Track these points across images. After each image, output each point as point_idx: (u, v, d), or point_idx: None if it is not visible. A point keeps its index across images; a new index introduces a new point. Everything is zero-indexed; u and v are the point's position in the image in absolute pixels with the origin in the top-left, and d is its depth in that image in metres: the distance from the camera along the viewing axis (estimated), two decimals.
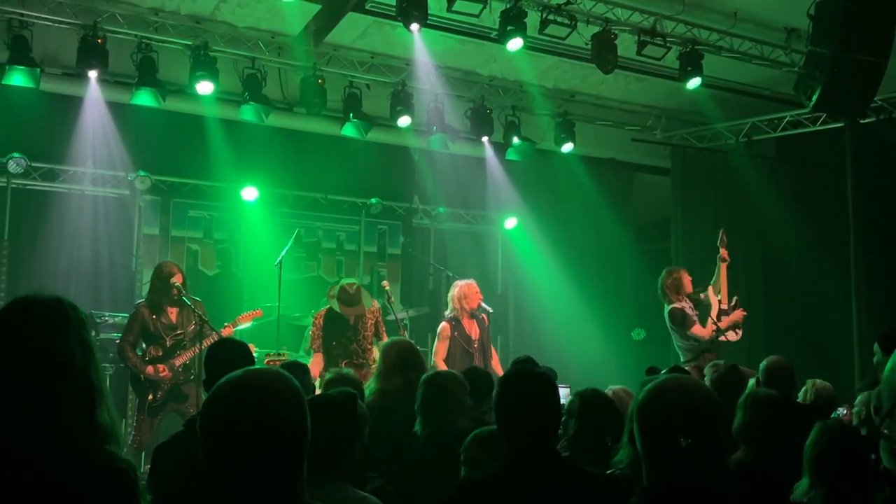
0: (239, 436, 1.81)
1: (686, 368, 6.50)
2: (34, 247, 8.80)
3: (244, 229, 10.34)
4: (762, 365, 4.86)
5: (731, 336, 8.09)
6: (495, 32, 8.26)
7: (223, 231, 10.35)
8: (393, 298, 8.26)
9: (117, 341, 7.67)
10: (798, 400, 4.99)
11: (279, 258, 8.51)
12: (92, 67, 8.19)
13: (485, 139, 10.44)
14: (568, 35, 8.34)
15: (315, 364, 7.38)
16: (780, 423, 3.67)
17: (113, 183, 9.51)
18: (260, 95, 9.05)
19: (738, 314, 8.08)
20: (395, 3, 7.71)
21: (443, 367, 7.65)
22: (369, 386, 5.09)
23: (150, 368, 7.05)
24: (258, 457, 1.81)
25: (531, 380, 3.06)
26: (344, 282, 7.77)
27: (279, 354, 7.76)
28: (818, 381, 5.14)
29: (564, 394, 4.87)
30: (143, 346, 7.25)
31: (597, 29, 8.48)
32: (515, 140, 10.49)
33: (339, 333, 7.60)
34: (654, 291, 11.86)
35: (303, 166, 10.26)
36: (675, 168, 11.96)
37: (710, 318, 8.11)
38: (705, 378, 4.92)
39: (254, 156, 9.81)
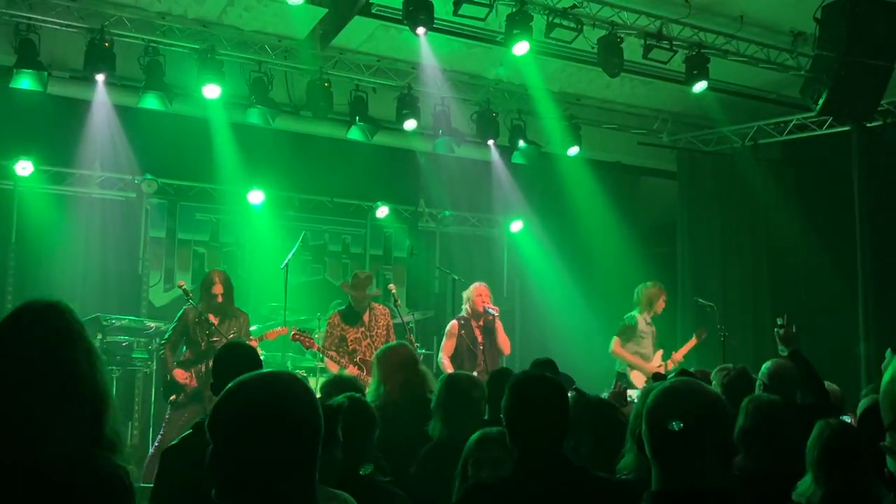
0: (249, 438, 1.80)
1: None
2: (42, 249, 8.82)
3: (250, 232, 10.36)
4: (766, 368, 4.82)
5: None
6: (501, 36, 8.27)
7: (229, 234, 10.38)
8: (399, 301, 8.27)
9: (123, 343, 7.73)
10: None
11: (285, 261, 8.54)
12: (99, 71, 8.21)
13: (490, 142, 10.44)
14: (574, 39, 8.34)
15: (330, 363, 7.48)
16: (781, 428, 3.66)
17: (120, 186, 9.55)
18: (266, 99, 9.06)
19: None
20: (401, 7, 7.72)
21: (448, 363, 7.70)
22: (370, 391, 5.09)
23: (177, 371, 7.15)
24: (269, 459, 1.80)
25: (539, 384, 3.06)
26: (356, 271, 8.01)
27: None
28: (826, 382, 5.13)
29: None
30: (184, 348, 7.35)
31: (603, 32, 8.48)
32: (521, 143, 10.49)
33: (353, 325, 7.68)
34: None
35: (309, 169, 10.28)
36: (681, 171, 11.95)
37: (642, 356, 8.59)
38: (713, 382, 4.90)
39: (260, 159, 9.84)
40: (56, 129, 8.92)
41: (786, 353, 4.92)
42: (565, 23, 8.20)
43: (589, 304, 11.07)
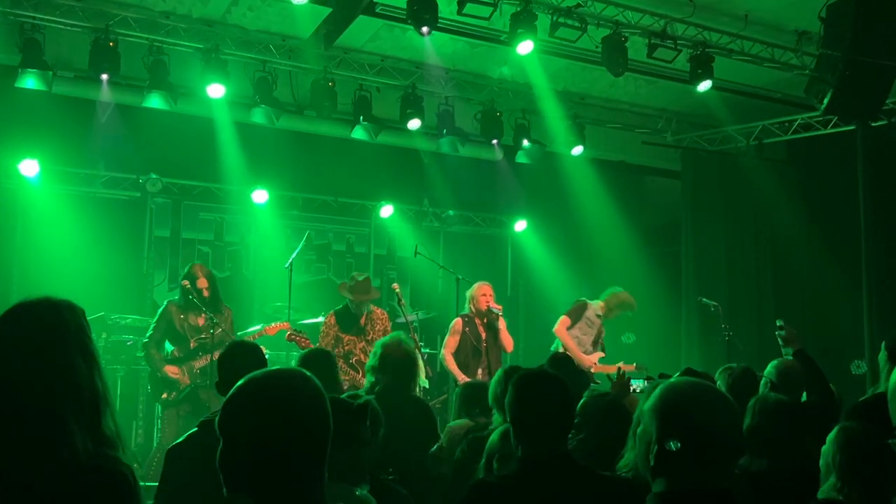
0: (259, 435, 1.80)
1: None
2: (46, 249, 8.83)
3: (255, 232, 10.38)
4: (773, 367, 4.81)
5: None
6: (505, 35, 8.26)
7: (234, 233, 10.40)
8: (403, 301, 8.27)
9: (129, 343, 7.73)
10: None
11: (290, 261, 8.54)
12: (104, 71, 8.23)
13: (494, 142, 10.44)
14: (578, 38, 8.34)
15: None
16: (790, 428, 3.64)
17: (124, 185, 9.56)
18: (271, 98, 9.07)
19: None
20: (405, 7, 7.72)
21: (450, 360, 7.71)
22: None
23: (167, 368, 7.15)
24: (278, 457, 1.81)
25: (541, 381, 3.07)
26: (355, 272, 7.91)
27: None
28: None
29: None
30: (169, 345, 7.35)
31: (607, 32, 8.47)
32: (525, 143, 10.49)
33: (348, 332, 7.65)
34: (664, 293, 11.90)
35: (313, 169, 10.29)
36: (685, 171, 11.94)
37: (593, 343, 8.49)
38: (717, 382, 4.89)
39: (264, 159, 9.85)
40: (61, 129, 8.92)
41: (790, 354, 4.91)
42: (569, 22, 8.20)
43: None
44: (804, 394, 4.74)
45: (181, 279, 7.48)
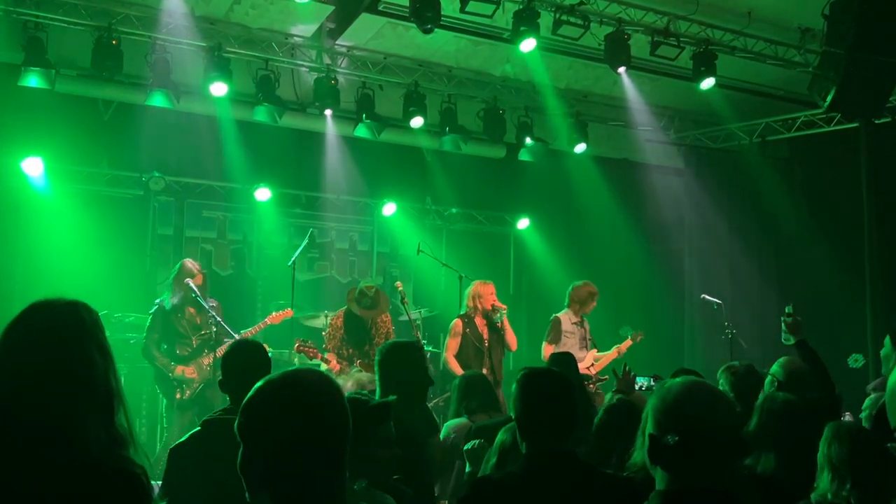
0: (280, 437, 1.81)
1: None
2: (49, 247, 8.83)
3: (258, 230, 10.38)
4: (779, 367, 4.79)
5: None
6: (508, 33, 8.26)
7: (237, 231, 10.40)
8: (406, 299, 8.27)
9: (132, 341, 7.74)
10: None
11: (293, 259, 8.55)
12: (106, 69, 8.23)
13: (496, 140, 10.44)
14: (581, 35, 8.33)
15: (331, 365, 7.47)
16: (800, 428, 3.62)
17: (127, 183, 9.56)
18: (273, 96, 9.07)
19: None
20: (408, 4, 7.72)
21: (453, 362, 7.70)
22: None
23: (179, 368, 7.17)
24: (301, 461, 1.81)
25: (546, 380, 3.08)
26: (363, 284, 7.82)
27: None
28: None
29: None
30: (165, 345, 7.35)
31: (610, 29, 8.47)
32: (528, 141, 10.49)
33: (355, 335, 7.66)
34: (666, 291, 11.91)
35: (316, 167, 10.29)
36: (688, 168, 11.92)
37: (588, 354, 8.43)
38: (720, 380, 4.88)
39: (267, 157, 9.86)
40: (64, 128, 8.92)
41: (791, 343, 4.88)
42: (572, 20, 8.19)
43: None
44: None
45: (174, 277, 7.46)
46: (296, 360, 8.45)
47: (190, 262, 7.64)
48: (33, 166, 8.72)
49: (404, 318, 8.34)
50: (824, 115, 10.27)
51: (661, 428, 2.12)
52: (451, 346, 7.85)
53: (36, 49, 8.07)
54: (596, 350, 8.63)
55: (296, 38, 9.29)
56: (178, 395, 7.25)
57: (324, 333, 8.01)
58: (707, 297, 9.67)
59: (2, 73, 8.36)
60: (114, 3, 8.33)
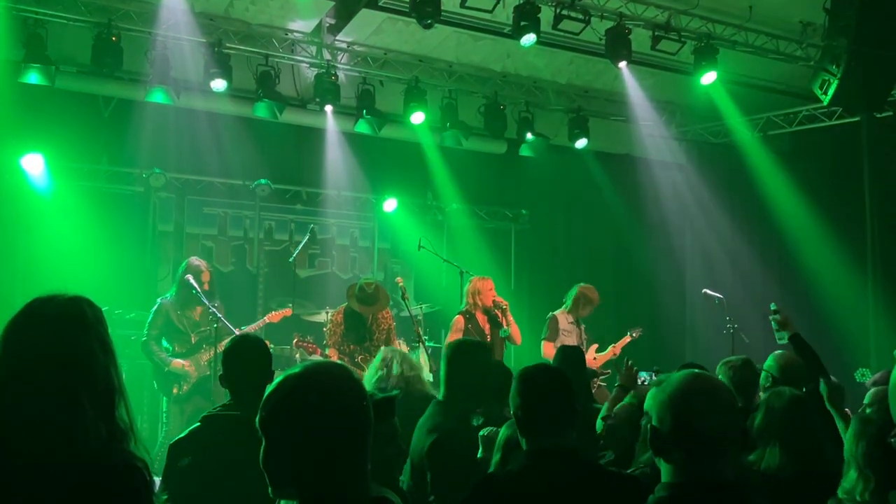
0: (305, 434, 1.81)
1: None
2: (50, 243, 8.83)
3: (258, 226, 10.38)
4: (773, 361, 4.78)
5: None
6: (509, 28, 8.24)
7: (237, 228, 10.39)
8: (407, 295, 8.26)
9: (132, 338, 7.75)
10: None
11: (294, 255, 8.54)
12: (106, 66, 8.23)
13: (496, 135, 10.43)
14: (582, 30, 8.31)
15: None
16: (804, 424, 3.61)
17: (128, 180, 9.55)
18: (273, 92, 9.06)
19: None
20: (408, 0, 7.71)
21: None
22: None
23: (176, 362, 7.20)
24: (325, 454, 1.81)
25: (545, 377, 3.08)
26: (363, 280, 7.79)
27: None
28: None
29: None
30: (165, 342, 7.38)
31: (611, 24, 8.45)
32: (529, 136, 10.47)
33: (355, 331, 7.65)
34: (668, 286, 11.89)
35: (317, 163, 10.28)
36: (689, 163, 11.91)
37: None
38: (718, 375, 4.87)
39: (267, 153, 9.85)
40: (64, 124, 8.92)
41: (785, 340, 4.87)
42: (573, 14, 8.18)
43: None
44: None
45: (180, 275, 7.48)
46: (297, 356, 8.46)
47: (196, 260, 7.68)
48: (33, 163, 8.72)
49: (405, 314, 8.33)
50: (826, 110, 10.25)
51: (663, 420, 2.13)
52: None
53: (36, 45, 8.06)
54: (596, 346, 8.62)
55: (296, 34, 9.27)
56: (175, 390, 7.29)
57: (324, 329, 8.01)
58: (708, 291, 9.66)
59: (2, 70, 8.35)
60: None
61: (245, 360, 3.63)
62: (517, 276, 11.93)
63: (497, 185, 11.59)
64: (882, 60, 8.01)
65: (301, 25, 9.17)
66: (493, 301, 7.94)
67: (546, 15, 8.10)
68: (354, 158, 10.36)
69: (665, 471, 2.15)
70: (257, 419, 1.87)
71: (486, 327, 7.94)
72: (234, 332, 7.15)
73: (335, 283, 10.55)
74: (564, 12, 8.14)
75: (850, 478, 3.11)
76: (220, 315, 7.25)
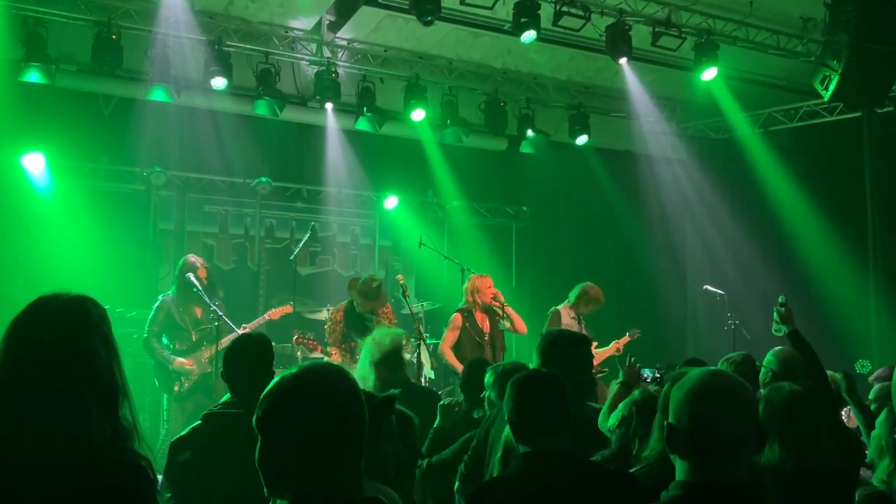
0: (300, 434, 1.81)
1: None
2: (51, 242, 8.84)
3: (259, 224, 10.38)
4: (773, 356, 4.78)
5: None
6: (509, 25, 8.23)
7: (238, 226, 10.39)
8: (408, 292, 8.25)
9: (134, 336, 7.76)
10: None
11: (295, 252, 8.54)
12: (107, 64, 8.22)
13: (497, 132, 10.43)
14: (582, 27, 8.31)
15: (333, 358, 7.47)
16: (804, 418, 3.60)
17: (128, 178, 9.55)
18: (274, 90, 9.06)
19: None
20: None
21: (449, 353, 7.69)
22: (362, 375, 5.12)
23: (177, 361, 7.21)
24: (319, 453, 1.82)
25: (538, 382, 3.12)
26: (367, 276, 7.82)
27: None
28: (829, 372, 5.09)
29: None
30: (166, 339, 7.39)
31: (611, 20, 8.44)
32: (529, 133, 10.47)
33: (356, 329, 7.65)
34: (669, 282, 11.89)
35: (317, 161, 10.28)
36: (690, 159, 11.90)
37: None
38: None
39: (268, 150, 9.84)
40: (65, 123, 8.92)
41: (782, 333, 4.87)
42: (573, 11, 8.17)
43: None
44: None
45: (178, 273, 7.49)
46: (298, 353, 8.47)
47: (192, 257, 7.70)
48: (34, 162, 8.71)
49: (406, 311, 8.33)
50: (827, 105, 10.24)
51: (680, 418, 2.11)
52: (449, 338, 7.83)
53: (36, 44, 8.06)
54: (595, 344, 8.62)
55: (296, 32, 9.27)
56: (175, 388, 7.31)
57: (325, 328, 8.01)
58: (710, 287, 9.66)
59: (2, 69, 8.34)
60: None
61: (245, 359, 3.64)
62: (518, 272, 11.93)
63: (498, 182, 11.59)
64: (883, 56, 8.00)
65: (301, 23, 9.17)
66: (493, 298, 7.94)
67: (546, 11, 8.09)
68: (355, 156, 10.36)
69: (680, 469, 2.13)
70: (254, 418, 1.87)
71: (485, 325, 7.94)
72: (234, 330, 7.18)
73: (336, 281, 10.54)
74: (564, 9, 8.13)
75: (884, 466, 3.11)
76: (220, 313, 7.26)
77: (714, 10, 8.79)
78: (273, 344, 3.92)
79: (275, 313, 7.92)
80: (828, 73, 8.40)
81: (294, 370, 1.90)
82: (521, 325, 8.11)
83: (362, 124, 9.75)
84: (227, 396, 3.66)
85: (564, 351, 4.01)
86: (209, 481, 3.30)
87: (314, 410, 1.82)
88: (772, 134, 11.31)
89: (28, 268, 8.66)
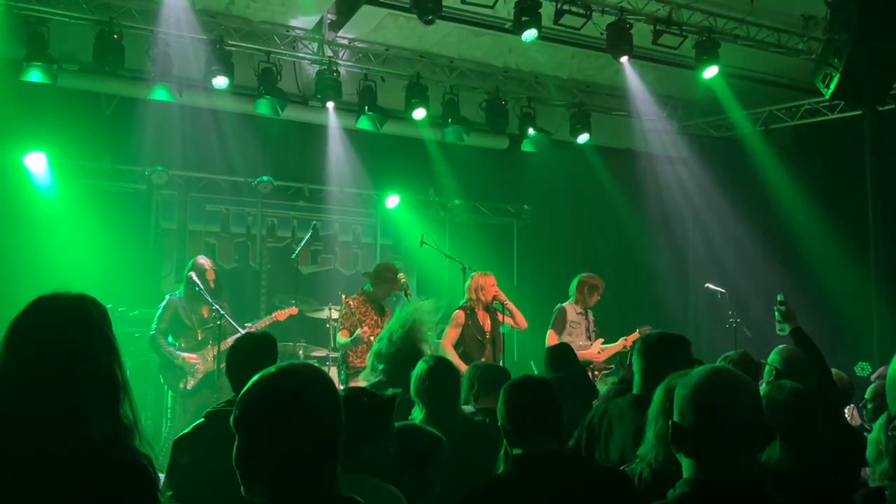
0: (274, 433, 1.82)
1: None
2: (52, 241, 8.85)
3: (261, 223, 10.38)
4: (777, 355, 4.78)
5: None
6: (510, 23, 8.24)
7: (240, 225, 10.40)
8: (410, 291, 8.26)
9: (136, 335, 7.78)
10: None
11: (296, 251, 8.55)
12: (108, 63, 8.24)
13: (498, 131, 10.44)
14: (583, 25, 8.32)
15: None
16: (806, 417, 3.60)
17: (130, 178, 9.56)
18: (275, 89, 9.07)
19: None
20: None
21: (451, 351, 7.69)
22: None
23: (185, 356, 7.31)
24: (294, 453, 1.82)
25: (530, 386, 3.17)
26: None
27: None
28: (833, 370, 5.09)
29: None
30: (171, 338, 7.44)
31: (612, 18, 8.45)
32: (531, 131, 10.48)
33: (369, 316, 7.71)
34: (670, 280, 11.89)
35: (319, 159, 10.29)
36: (691, 158, 11.90)
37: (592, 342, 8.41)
38: None
39: (270, 149, 9.85)
40: (67, 122, 8.93)
41: (785, 333, 4.87)
42: (574, 9, 8.18)
43: None
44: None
45: (186, 273, 7.54)
46: (300, 352, 8.49)
47: (202, 259, 7.75)
48: (36, 161, 8.72)
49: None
50: (828, 103, 10.24)
51: (684, 415, 2.11)
52: (451, 336, 7.82)
53: (38, 44, 8.08)
54: (602, 340, 8.63)
55: (297, 31, 9.28)
56: (181, 385, 7.34)
57: (351, 310, 7.87)
58: (711, 286, 9.66)
59: (4, 69, 8.36)
60: None
61: (248, 357, 3.65)
62: (519, 271, 11.93)
63: (499, 180, 11.58)
64: (884, 53, 7.99)
65: (302, 22, 9.17)
66: (494, 296, 7.94)
67: (547, 10, 8.10)
68: (356, 155, 10.36)
69: (686, 466, 2.13)
70: (231, 418, 1.88)
71: (486, 323, 7.94)
72: (238, 330, 7.20)
73: (338, 280, 10.55)
74: (565, 7, 8.14)
75: (882, 469, 3.12)
76: (224, 313, 7.29)
77: (715, 7, 8.79)
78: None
79: (281, 314, 7.95)
80: (829, 71, 8.39)
81: (270, 370, 1.91)
82: (522, 320, 8.14)
83: (363, 123, 9.76)
84: (232, 395, 3.67)
85: (668, 348, 4.00)
86: (211, 480, 3.30)
87: (288, 410, 1.83)
88: (773, 132, 11.31)
89: (30, 267, 8.66)
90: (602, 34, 8.51)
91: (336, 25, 9.22)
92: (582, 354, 8.07)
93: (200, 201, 10.11)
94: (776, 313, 4.83)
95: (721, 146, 11.78)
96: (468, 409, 4.63)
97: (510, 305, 8.00)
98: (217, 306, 7.29)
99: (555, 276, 11.12)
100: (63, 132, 8.81)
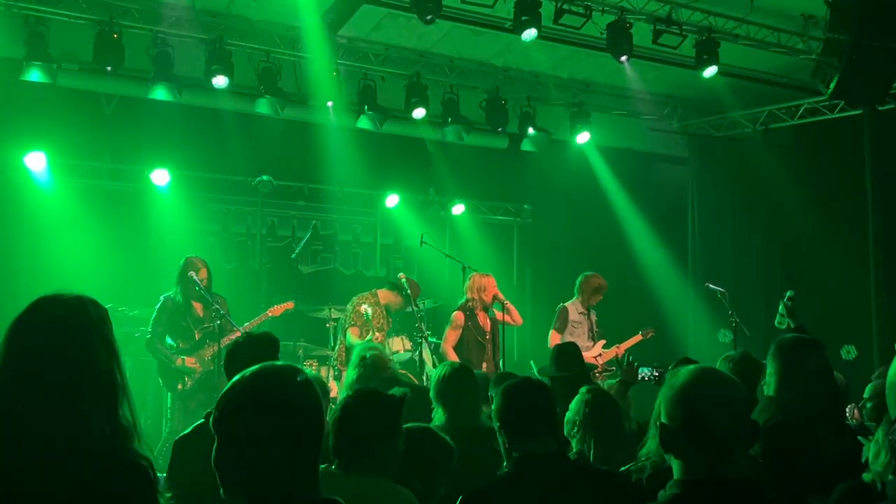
0: (252, 434, 1.82)
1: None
2: (52, 241, 8.86)
3: (261, 222, 10.38)
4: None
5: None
6: (510, 23, 8.23)
7: (240, 224, 10.40)
8: (409, 291, 8.26)
9: (136, 335, 7.77)
10: None
11: (296, 251, 8.55)
12: (108, 63, 8.23)
13: (500, 130, 10.42)
14: (583, 24, 8.31)
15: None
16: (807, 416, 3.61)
17: (130, 177, 9.56)
18: (275, 89, 9.06)
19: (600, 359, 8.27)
20: None
21: (451, 354, 7.69)
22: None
23: (180, 360, 7.25)
24: (272, 455, 1.82)
25: (527, 388, 3.20)
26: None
27: None
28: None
29: None
30: (169, 339, 7.41)
31: (612, 18, 8.44)
32: (531, 130, 10.47)
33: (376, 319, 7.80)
34: (670, 279, 11.89)
35: (318, 159, 10.28)
36: (691, 157, 11.90)
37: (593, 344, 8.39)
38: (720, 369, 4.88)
39: (270, 149, 9.84)
40: (67, 121, 8.93)
41: (785, 326, 4.87)
42: (574, 8, 8.17)
43: None
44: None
45: (179, 272, 7.50)
46: (300, 351, 8.48)
47: (193, 258, 7.68)
48: (36, 161, 8.73)
49: (408, 310, 8.34)
50: (828, 103, 10.25)
51: (672, 416, 2.12)
52: (451, 337, 7.83)
53: (37, 43, 8.07)
54: (604, 341, 8.62)
55: (297, 30, 9.26)
56: (179, 386, 7.32)
57: (368, 316, 8.00)
58: (711, 285, 9.65)
59: (4, 68, 8.37)
60: None
61: (248, 357, 3.63)
62: (519, 270, 11.94)
63: (499, 180, 11.58)
64: (884, 53, 7.99)
65: (302, 21, 9.15)
66: (494, 297, 7.95)
67: (547, 9, 8.09)
68: (356, 154, 10.35)
69: (676, 467, 2.14)
70: (210, 419, 1.88)
71: (486, 324, 7.95)
72: (235, 328, 7.19)
73: (338, 279, 10.55)
74: (565, 6, 8.13)
75: (881, 462, 3.12)
76: (222, 311, 7.28)
77: (715, 7, 8.78)
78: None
79: (276, 310, 7.93)
80: (829, 71, 8.39)
81: (250, 371, 1.90)
82: (517, 316, 8.15)
83: (363, 122, 9.76)
84: None
85: (806, 356, 3.96)
86: (211, 480, 3.30)
87: (268, 412, 1.82)
88: (773, 131, 11.32)
89: (30, 266, 8.68)
90: (602, 33, 8.51)
91: (336, 24, 9.21)
92: (586, 357, 8.09)
93: (201, 201, 10.11)
94: (781, 307, 4.85)
95: (721, 145, 11.78)
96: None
97: (507, 304, 8.01)
98: (216, 305, 7.27)
99: (555, 276, 11.13)
100: (63, 132, 8.81)
